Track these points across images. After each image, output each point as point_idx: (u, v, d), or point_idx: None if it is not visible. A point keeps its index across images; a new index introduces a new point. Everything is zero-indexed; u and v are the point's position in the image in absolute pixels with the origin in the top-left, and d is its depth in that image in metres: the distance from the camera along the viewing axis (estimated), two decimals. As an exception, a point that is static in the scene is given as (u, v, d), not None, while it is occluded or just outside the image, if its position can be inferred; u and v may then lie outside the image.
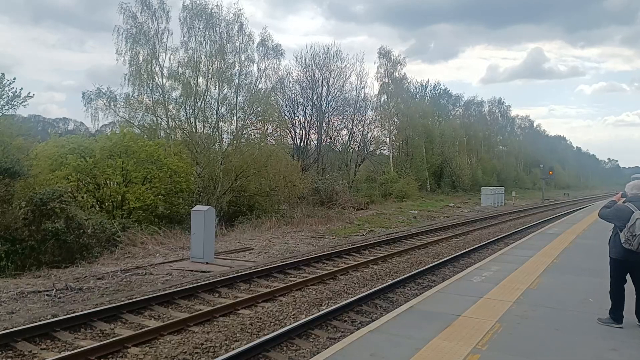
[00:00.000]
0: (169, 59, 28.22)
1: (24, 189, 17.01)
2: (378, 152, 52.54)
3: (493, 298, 8.50)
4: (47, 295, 11.06)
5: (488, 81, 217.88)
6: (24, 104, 20.36)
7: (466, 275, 10.59)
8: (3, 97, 19.79)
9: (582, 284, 9.85)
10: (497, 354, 5.88)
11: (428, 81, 71.68)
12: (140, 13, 27.67)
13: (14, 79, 19.81)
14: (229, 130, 29.66)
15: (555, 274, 10.72)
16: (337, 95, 45.13)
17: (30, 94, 20.36)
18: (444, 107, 72.96)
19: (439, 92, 72.62)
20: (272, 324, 9.22)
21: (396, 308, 8.39)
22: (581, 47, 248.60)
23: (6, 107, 20.11)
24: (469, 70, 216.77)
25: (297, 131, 42.96)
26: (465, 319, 7.22)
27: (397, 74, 52.59)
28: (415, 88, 64.88)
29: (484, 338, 6.40)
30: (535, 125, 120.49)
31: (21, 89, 20.08)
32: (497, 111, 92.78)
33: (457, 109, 78.48)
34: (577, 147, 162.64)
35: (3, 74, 19.74)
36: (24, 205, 15.92)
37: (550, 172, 65.10)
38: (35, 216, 15.74)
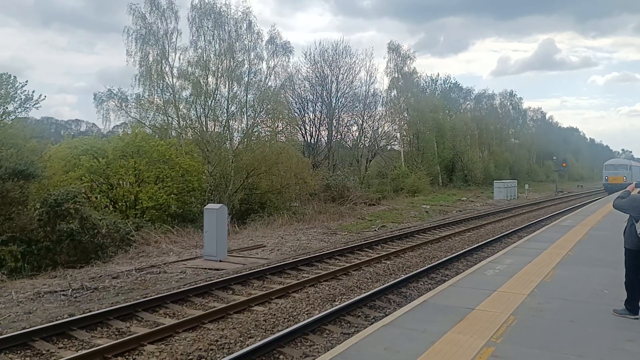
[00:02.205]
0: (179, 59, 28.37)
1: (39, 191, 17.22)
2: (389, 147, 52.38)
3: (507, 291, 8.46)
4: (63, 295, 11.19)
5: (499, 74, 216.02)
6: (36, 106, 20.64)
7: (480, 268, 10.55)
8: (16, 100, 20.03)
9: (596, 275, 9.78)
10: (512, 346, 5.86)
11: (438, 75, 71.13)
12: (149, 13, 27.81)
13: (26, 82, 20.09)
14: (239, 129, 29.77)
15: (569, 266, 10.65)
16: (346, 91, 45.06)
17: (43, 97, 20.59)
18: (455, 101, 72.44)
19: (450, 85, 72.13)
20: (285, 320, 9.26)
21: (410, 302, 8.38)
22: (593, 37, 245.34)
23: (19, 110, 20.37)
24: (479, 63, 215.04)
25: (307, 128, 42.94)
26: (479, 312, 7.20)
27: (406, 68, 52.28)
28: (426, 82, 64.46)
29: (499, 331, 6.38)
30: (547, 117, 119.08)
31: (33, 92, 20.32)
32: (508, 104, 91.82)
33: (468, 102, 77.89)
34: (590, 138, 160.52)
35: (15, 77, 19.99)
36: (38, 207, 16.11)
37: (564, 164, 64.47)
38: (50, 217, 15.92)
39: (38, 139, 21.29)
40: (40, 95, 20.52)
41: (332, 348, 6.52)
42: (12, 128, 19.27)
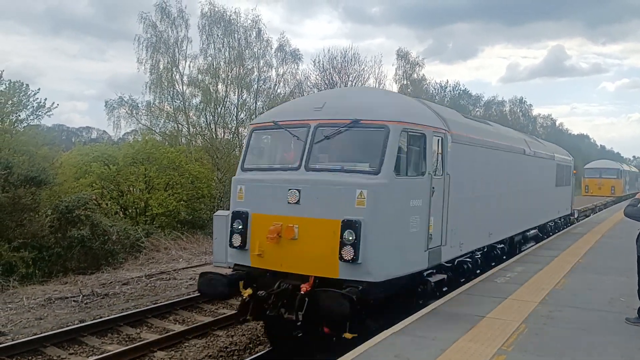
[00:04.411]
0: (189, 67, 28.58)
1: (50, 197, 17.32)
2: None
3: (518, 299, 8.40)
4: (74, 301, 11.25)
5: (508, 80, 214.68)
6: (48, 114, 20.81)
7: (490, 276, 10.47)
8: (28, 107, 20.23)
9: (608, 283, 9.68)
10: (523, 355, 5.82)
11: (447, 82, 71.04)
12: (160, 22, 28.04)
13: (39, 89, 20.25)
14: (248, 136, 29.80)
15: (580, 274, 10.55)
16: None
17: (55, 104, 20.77)
18: (464, 108, 72.13)
19: (459, 92, 72.08)
20: (295, 327, 9.21)
21: (420, 310, 8.34)
22: (603, 43, 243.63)
23: (31, 117, 20.56)
24: (488, 69, 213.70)
25: (317, 135, 42.94)
26: (490, 320, 7.15)
27: (415, 75, 52.27)
28: (435, 89, 64.38)
29: (510, 339, 6.34)
30: (557, 123, 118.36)
31: (45, 100, 20.51)
32: (518, 110, 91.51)
33: (477, 109, 77.66)
34: (601, 145, 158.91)
35: (27, 85, 20.18)
36: (50, 213, 16.21)
37: (575, 172, 64.05)
38: (61, 224, 16.02)
39: (49, 146, 21.41)
40: (53, 103, 20.72)
41: (342, 355, 6.50)
42: (24, 135, 19.44)
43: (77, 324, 9.24)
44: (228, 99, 28.58)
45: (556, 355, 5.84)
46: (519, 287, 9.31)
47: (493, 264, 11.35)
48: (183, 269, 15.02)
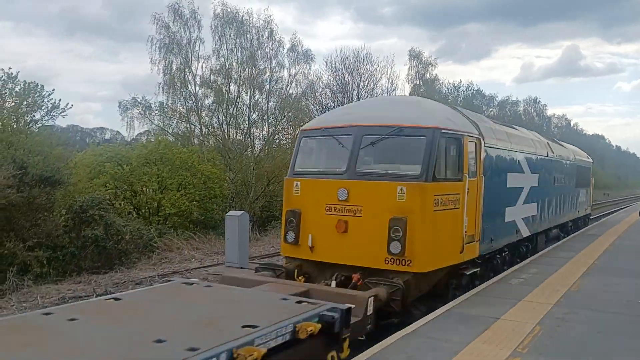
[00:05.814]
0: (202, 67, 28.75)
1: (64, 197, 17.49)
2: (410, 154, 52.07)
3: (532, 300, 8.31)
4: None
5: (522, 80, 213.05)
6: (62, 114, 20.97)
7: (504, 278, 10.38)
8: (42, 108, 20.41)
9: (624, 285, 9.56)
10: (539, 357, 5.74)
11: (460, 82, 70.50)
12: (173, 23, 28.25)
13: (53, 90, 20.36)
14: (260, 136, 30.00)
15: (596, 276, 10.43)
16: (367, 98, 45.03)
17: (69, 105, 20.92)
18: (478, 108, 71.61)
19: (472, 92, 71.57)
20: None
21: (433, 311, 8.29)
22: (618, 43, 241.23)
23: (46, 118, 20.74)
24: (502, 69, 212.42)
25: (329, 135, 42.95)
26: (505, 322, 7.08)
27: (428, 75, 52.13)
28: (448, 89, 64.04)
29: (524, 341, 6.26)
30: (572, 124, 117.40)
31: (59, 100, 20.66)
32: (532, 110, 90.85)
33: (491, 109, 77.12)
34: (616, 145, 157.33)
35: (42, 86, 20.35)
36: (64, 213, 16.37)
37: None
38: (75, 223, 16.17)
39: (64, 146, 21.61)
40: (67, 103, 20.87)
41: (355, 355, 6.48)
42: (39, 136, 19.64)
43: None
44: (240, 100, 28.71)
45: (572, 357, 5.77)
46: (533, 288, 9.21)
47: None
48: (195, 268, 15.07)
